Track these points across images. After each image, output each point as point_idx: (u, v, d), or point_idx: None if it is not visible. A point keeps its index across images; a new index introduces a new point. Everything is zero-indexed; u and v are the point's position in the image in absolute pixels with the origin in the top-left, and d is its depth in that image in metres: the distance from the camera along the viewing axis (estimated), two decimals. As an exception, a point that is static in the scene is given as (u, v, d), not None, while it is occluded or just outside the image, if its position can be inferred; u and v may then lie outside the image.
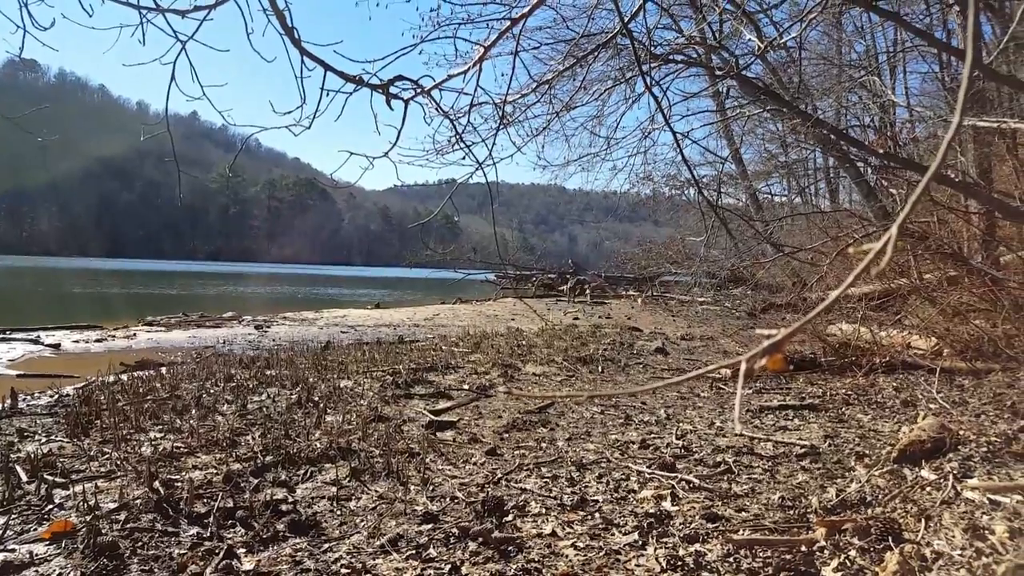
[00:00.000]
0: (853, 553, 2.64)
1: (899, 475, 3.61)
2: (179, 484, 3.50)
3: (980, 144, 9.03)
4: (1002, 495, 2.99)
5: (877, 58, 15.62)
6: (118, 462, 3.91)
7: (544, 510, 3.32)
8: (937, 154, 0.87)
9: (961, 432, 3.94)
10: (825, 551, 2.71)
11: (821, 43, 15.73)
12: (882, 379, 6.56)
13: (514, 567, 2.68)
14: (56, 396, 5.89)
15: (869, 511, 3.14)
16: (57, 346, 9.76)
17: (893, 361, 6.84)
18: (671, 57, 9.80)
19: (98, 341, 10.41)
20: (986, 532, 2.63)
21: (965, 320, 6.91)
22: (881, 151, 8.91)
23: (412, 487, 3.62)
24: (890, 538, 2.69)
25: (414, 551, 2.82)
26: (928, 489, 3.27)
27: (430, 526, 3.08)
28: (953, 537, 2.67)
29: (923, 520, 2.87)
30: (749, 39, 7.96)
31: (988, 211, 7.74)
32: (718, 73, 10.41)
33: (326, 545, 2.89)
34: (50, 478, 3.61)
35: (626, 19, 4.45)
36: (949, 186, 7.09)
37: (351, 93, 3.67)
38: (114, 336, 11.02)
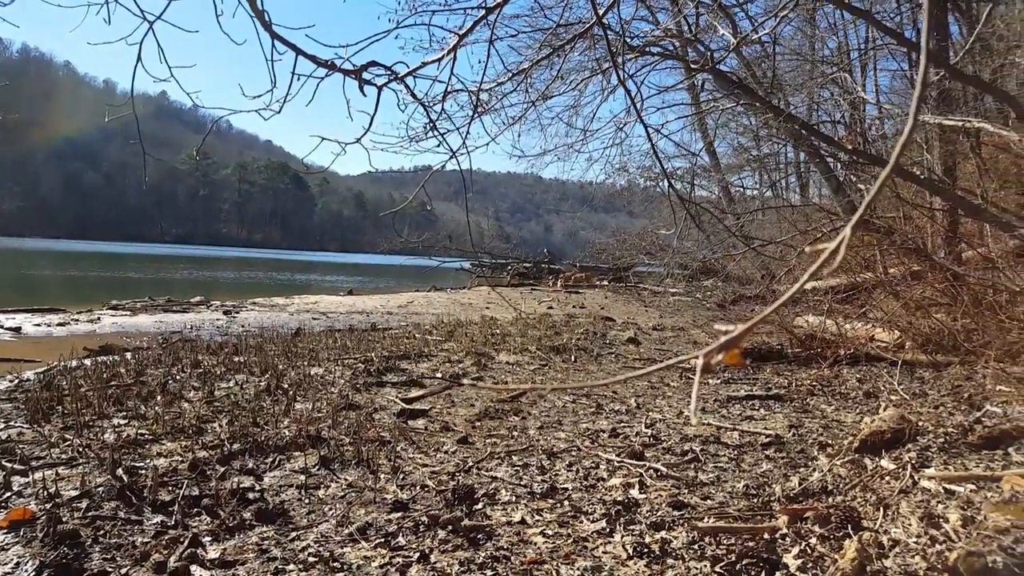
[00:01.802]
0: (814, 540, 2.70)
1: (860, 464, 3.69)
2: (143, 471, 3.46)
3: (945, 142, 9.20)
4: (957, 484, 3.07)
5: (849, 55, 15.83)
6: (80, 449, 3.84)
7: (514, 498, 3.34)
8: (893, 153, 0.89)
9: (920, 423, 4.04)
10: (787, 538, 2.76)
11: (795, 39, 15.92)
12: (846, 371, 6.68)
13: (483, 554, 2.70)
14: (16, 381, 5.73)
15: (830, 499, 3.21)
16: (18, 329, 9.57)
17: (857, 353, 6.97)
18: (647, 49, 9.84)
19: (61, 325, 10.21)
20: (941, 520, 2.70)
21: (927, 314, 7.06)
22: (850, 147, 9.05)
23: (382, 475, 3.63)
24: (849, 526, 2.76)
25: (383, 539, 2.83)
26: (887, 478, 3.35)
27: (400, 514, 3.09)
28: (909, 525, 2.73)
29: (881, 508, 2.94)
30: (723, 33, 8.01)
31: (951, 208, 7.89)
32: (693, 66, 10.46)
33: (293, 534, 2.89)
34: (9, 465, 3.54)
35: (601, 11, 4.45)
36: (914, 183, 7.22)
37: (323, 78, 3.64)
38: (77, 320, 10.82)
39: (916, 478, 3.24)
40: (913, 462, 3.47)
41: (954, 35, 11.69)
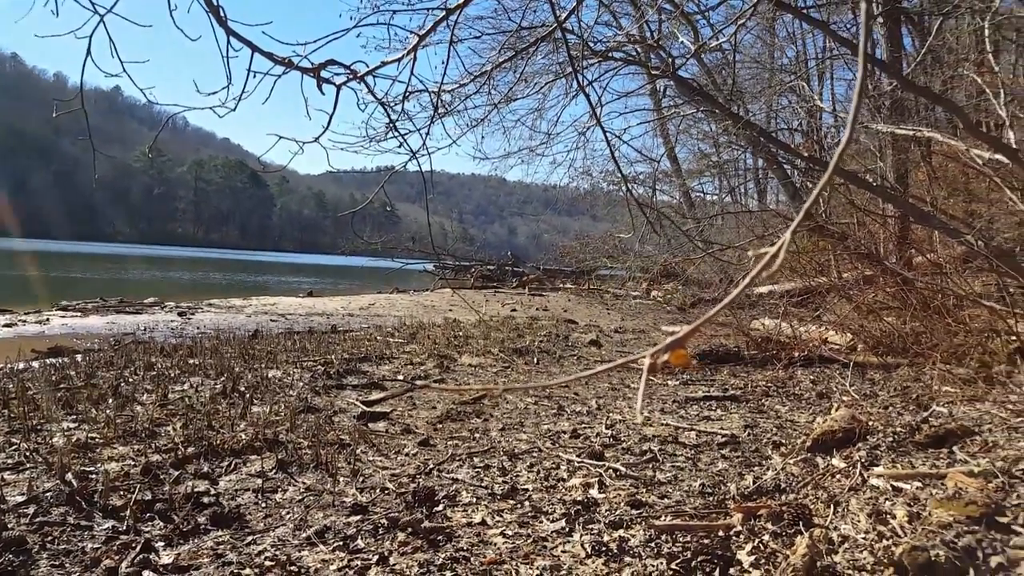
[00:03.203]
0: (767, 537, 2.76)
1: (812, 463, 3.78)
2: (94, 476, 3.39)
3: (898, 151, 9.46)
4: (904, 482, 3.16)
5: (807, 64, 16.18)
6: (27, 453, 3.75)
7: (475, 499, 3.36)
8: (831, 161, 0.93)
9: (870, 423, 4.14)
10: (741, 535, 2.82)
11: (755, 47, 16.22)
12: (800, 372, 6.82)
13: (442, 556, 2.71)
14: (-39, 384, 5.59)
15: (783, 497, 3.29)
16: (-35, 331, 9.31)
17: (811, 355, 7.12)
18: (610, 55, 9.93)
19: (7, 326, 9.94)
20: (888, 516, 2.79)
21: (878, 317, 7.24)
22: (806, 154, 9.25)
23: (341, 478, 3.61)
24: (801, 523, 2.82)
25: (341, 542, 2.82)
26: (838, 476, 3.44)
27: (359, 517, 3.08)
28: (858, 521, 2.81)
29: (832, 506, 3.02)
30: (682, 41, 8.12)
31: (903, 215, 8.11)
32: (655, 72, 10.59)
33: (250, 538, 2.86)
34: (-46, 470, 3.45)
35: (561, 17, 4.49)
36: (867, 190, 7.40)
37: (280, 76, 3.61)
38: (25, 321, 10.54)
39: (865, 476, 3.33)
40: (863, 461, 3.56)
41: (907, 47, 12.02)
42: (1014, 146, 3.83)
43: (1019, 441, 3.52)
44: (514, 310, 15.50)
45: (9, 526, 2.82)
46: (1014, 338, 4.70)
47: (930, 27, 9.98)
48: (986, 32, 5.86)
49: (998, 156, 3.97)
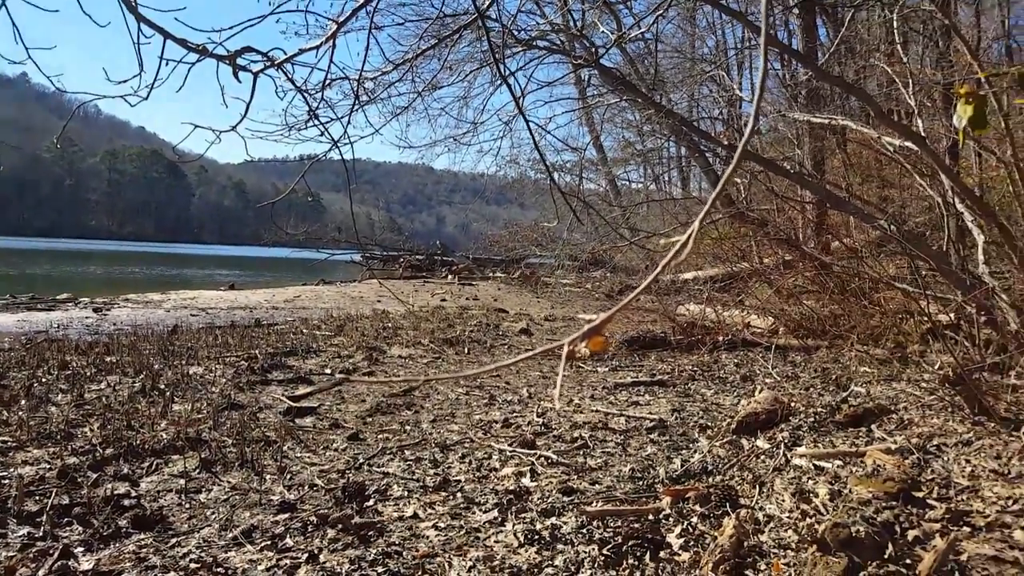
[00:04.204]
0: (695, 520, 2.83)
1: (737, 445, 3.88)
2: (7, 481, 3.25)
3: (815, 139, 9.77)
4: (825, 461, 3.28)
5: (726, 54, 16.53)
6: (-66, 460, 3.57)
7: (406, 493, 3.33)
8: (739, 145, 0.94)
9: (792, 404, 4.28)
10: (670, 519, 2.88)
11: (676, 36, 16.48)
12: (725, 356, 7.00)
13: (374, 552, 2.67)
14: None
15: (710, 479, 3.37)
16: None
17: (735, 339, 7.31)
18: (534, 43, 9.93)
19: (-91, 327, 9.37)
20: (811, 495, 2.88)
21: (798, 301, 7.49)
22: (727, 143, 9.45)
23: (268, 476, 3.54)
24: (728, 504, 2.90)
25: (269, 541, 2.76)
26: (762, 457, 3.54)
27: (287, 515, 3.02)
28: (783, 501, 2.90)
29: (757, 486, 3.10)
30: (605, 31, 8.19)
31: (820, 201, 8.39)
32: (578, 61, 10.65)
33: (174, 540, 2.77)
34: None
35: (483, 7, 4.45)
36: (786, 177, 7.62)
37: (194, 64, 3.48)
38: (-71, 321, 9.96)
39: (789, 456, 3.44)
40: (786, 441, 3.68)
41: (823, 37, 12.42)
42: (922, 133, 4.00)
43: (932, 418, 3.68)
44: (444, 300, 15.43)
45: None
46: (926, 319, 4.92)
47: (843, 18, 10.32)
48: (895, 24, 6.09)
49: (908, 143, 4.14)
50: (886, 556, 2.21)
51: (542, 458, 3.84)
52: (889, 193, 8.33)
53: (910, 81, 4.72)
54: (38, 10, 3.20)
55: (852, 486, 2.84)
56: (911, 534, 2.37)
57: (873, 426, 3.77)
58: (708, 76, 13.17)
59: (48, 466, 3.54)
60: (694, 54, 15.63)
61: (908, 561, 2.20)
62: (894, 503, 2.62)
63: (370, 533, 2.84)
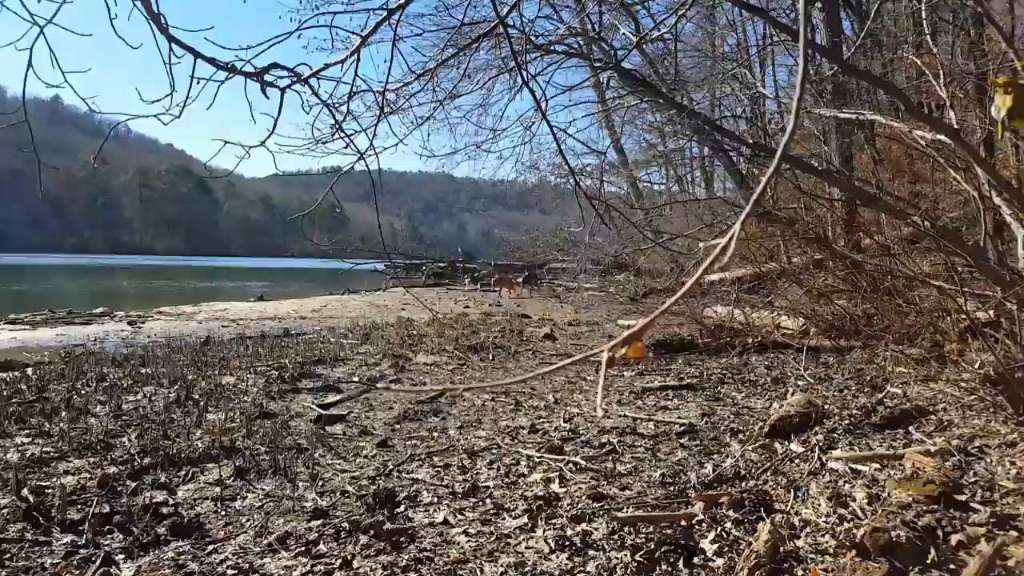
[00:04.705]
0: (729, 525, 2.79)
1: (770, 449, 3.83)
2: (50, 491, 3.30)
3: (842, 135, 9.63)
4: (862, 464, 3.23)
5: (748, 51, 16.38)
6: (-20, 470, 3.64)
7: (436, 499, 3.33)
8: (779, 147, 0.92)
9: (826, 407, 4.22)
10: (703, 524, 2.85)
11: (696, 35, 16.36)
12: (755, 358, 6.93)
13: (406, 557, 2.68)
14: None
15: (743, 484, 3.33)
16: (-98, 349, 8.90)
17: (764, 341, 7.22)
18: (552, 48, 9.91)
19: (-49, 342, 9.57)
20: (848, 499, 2.84)
21: (829, 301, 7.36)
22: (751, 141, 9.36)
23: (300, 483, 3.55)
24: (762, 509, 2.86)
25: (303, 548, 2.77)
26: (796, 461, 3.49)
27: (320, 522, 3.03)
28: (819, 505, 2.86)
29: (792, 491, 3.06)
30: (624, 33, 8.15)
31: (849, 198, 8.26)
32: (597, 65, 10.61)
33: (211, 547, 2.80)
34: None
35: (503, 11, 4.46)
36: (813, 174, 7.52)
37: (223, 81, 3.52)
38: (-29, 336, 10.17)
39: (824, 460, 3.39)
40: (821, 444, 3.63)
41: (847, 31, 12.27)
42: (955, 126, 3.92)
43: (973, 419, 3.62)
44: (467, 307, 15.46)
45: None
46: (964, 317, 4.82)
47: (869, 11, 10.20)
48: (923, 14, 5.99)
49: (940, 136, 4.05)
50: (928, 561, 2.17)
51: (570, 464, 3.82)
52: (921, 188, 8.16)
53: (941, 72, 4.62)
54: (72, 35, 3.25)
55: (891, 490, 2.79)
56: (954, 539, 2.32)
57: (911, 428, 3.71)
58: (730, 74, 13.05)
59: (89, 475, 3.59)
60: (715, 52, 15.52)
61: (952, 566, 2.16)
62: (935, 507, 2.57)
63: (402, 539, 2.84)
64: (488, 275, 25.13)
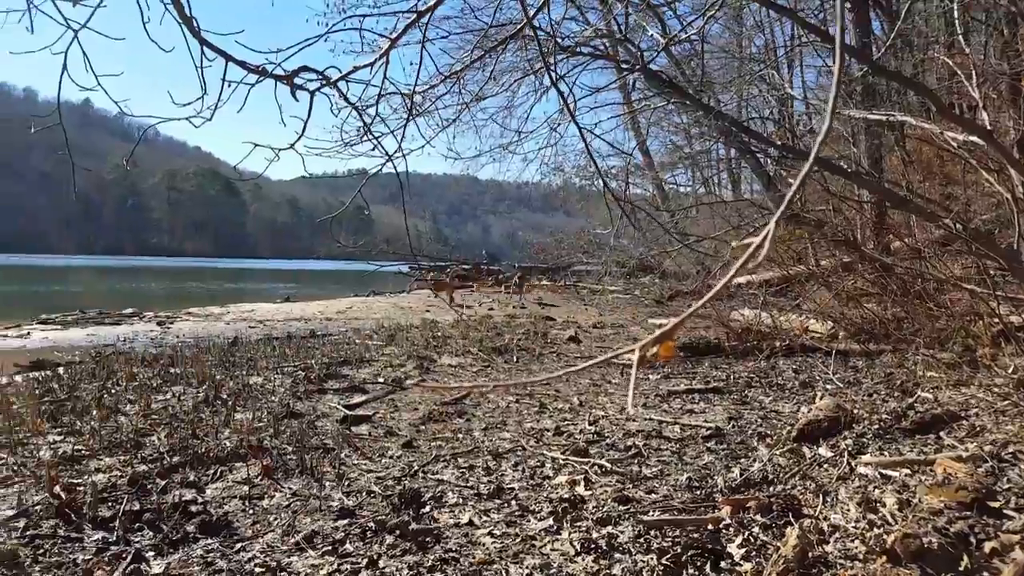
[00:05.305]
0: (756, 529, 2.77)
1: (798, 453, 3.79)
2: (81, 488, 3.35)
3: (871, 136, 9.52)
4: (892, 469, 3.18)
5: (776, 52, 16.24)
6: (15, 467, 3.73)
7: (461, 500, 3.34)
8: (812, 150, 0.92)
9: (855, 411, 4.17)
10: (730, 528, 2.82)
11: (723, 36, 16.26)
12: (782, 362, 6.86)
13: (432, 558, 2.69)
14: (-58, 401, 5.47)
15: (771, 489, 3.29)
16: (-61, 348, 9.10)
17: (792, 344, 7.15)
18: (578, 50, 9.91)
19: (-13, 341, 9.77)
20: (878, 504, 2.80)
21: (858, 304, 7.28)
22: (779, 143, 9.29)
23: (327, 483, 3.58)
24: (790, 514, 2.83)
25: (330, 547, 2.79)
26: (825, 466, 3.46)
27: (346, 521, 3.05)
28: (848, 511, 2.82)
29: (821, 496, 3.03)
30: (651, 34, 8.12)
31: (879, 200, 8.15)
32: (624, 66, 10.59)
33: (239, 545, 2.83)
34: (-61, 487, 3.39)
35: (531, 12, 4.46)
36: (842, 176, 7.44)
37: (254, 84, 3.55)
38: (6, 336, 10.36)
39: (853, 465, 3.35)
40: (850, 449, 3.58)
41: (876, 31, 12.13)
42: (988, 127, 3.86)
43: (1007, 424, 3.56)
44: (491, 309, 15.47)
45: (1, 540, 2.80)
46: (997, 320, 4.74)
47: (899, 10, 10.08)
48: (955, 13, 5.91)
49: (973, 138, 4.00)
50: (961, 569, 2.13)
51: (596, 466, 3.81)
52: (952, 190, 8.04)
53: (973, 72, 4.55)
54: (99, 38, 3.31)
55: (922, 495, 2.75)
56: (988, 546, 2.28)
57: (942, 433, 3.65)
58: (758, 75, 12.95)
59: (119, 473, 3.65)
60: (742, 54, 15.41)
61: (986, 574, 2.12)
62: (968, 513, 2.53)
63: (427, 539, 2.85)
64: (511, 278, 25.16)
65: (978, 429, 3.60)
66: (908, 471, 3.14)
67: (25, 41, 3.20)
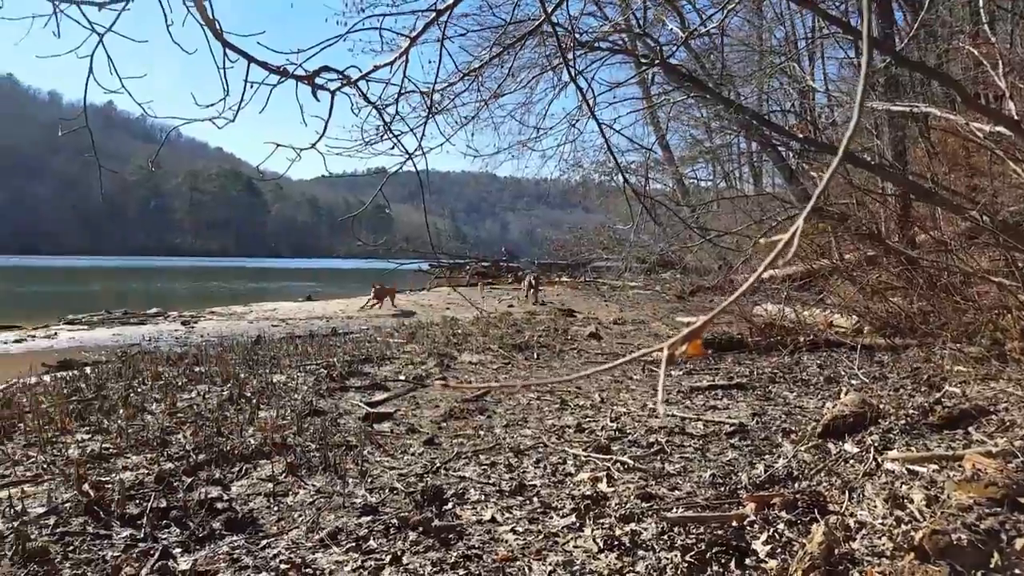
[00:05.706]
0: (781, 526, 2.75)
1: (824, 449, 3.75)
2: (110, 486, 3.39)
3: (895, 128, 9.39)
4: (920, 465, 3.14)
5: (796, 44, 16.08)
6: (44, 465, 3.78)
7: (483, 497, 3.34)
8: (842, 142, 0.90)
9: (881, 406, 4.12)
10: (755, 525, 2.80)
11: (742, 29, 16.11)
12: (806, 357, 6.80)
13: (454, 554, 2.69)
14: (-27, 400, 5.57)
15: (796, 485, 3.27)
16: (-31, 348, 9.27)
17: (816, 339, 7.08)
18: (597, 45, 9.86)
19: (17, 342, 9.94)
20: (905, 501, 2.77)
21: (883, 298, 7.19)
22: (801, 135, 9.19)
23: (350, 480, 3.60)
24: (816, 510, 2.81)
25: (354, 543, 2.81)
26: (851, 462, 3.42)
27: (370, 518, 3.07)
28: (875, 507, 2.79)
29: (847, 492, 3.00)
30: (670, 28, 8.07)
31: (903, 193, 8.05)
32: (643, 60, 10.53)
33: (264, 541, 2.85)
34: (-29, 485, 3.44)
35: (549, 9, 4.45)
36: (866, 169, 7.35)
37: (275, 85, 3.58)
38: (34, 336, 10.54)
39: (880, 460, 3.31)
40: (876, 445, 3.54)
41: (899, 21, 11.97)
42: (1015, 117, 3.79)
43: (1036, 418, 3.50)
44: (511, 306, 15.48)
45: (32, 537, 2.84)
46: (1025, 314, 4.68)
47: (922, 0, 9.93)
48: (980, 2, 5.81)
49: (999, 128, 3.93)
50: (992, 566, 2.10)
51: (618, 463, 3.80)
52: (979, 182, 7.91)
53: (1000, 62, 4.46)
54: (122, 41, 3.34)
55: (950, 491, 2.71)
56: (1019, 543, 2.25)
57: (971, 428, 3.61)
58: (778, 68, 12.82)
59: (146, 471, 3.69)
60: (762, 46, 15.26)
61: (1017, 571, 2.09)
62: (998, 509, 2.49)
63: (450, 536, 2.86)
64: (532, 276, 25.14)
65: (1007, 424, 3.55)
66: (936, 467, 3.10)
67: (50, 45, 3.24)
